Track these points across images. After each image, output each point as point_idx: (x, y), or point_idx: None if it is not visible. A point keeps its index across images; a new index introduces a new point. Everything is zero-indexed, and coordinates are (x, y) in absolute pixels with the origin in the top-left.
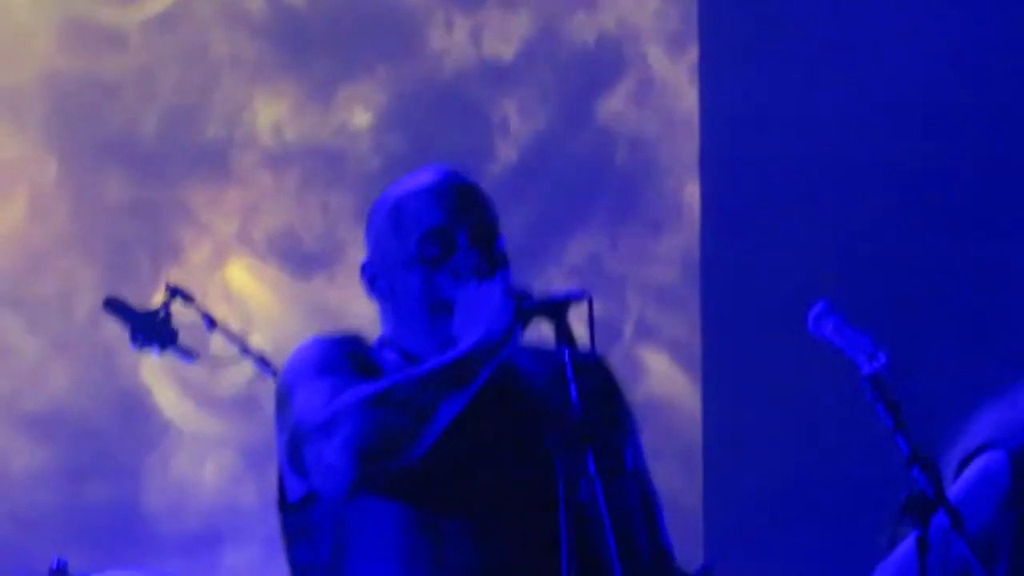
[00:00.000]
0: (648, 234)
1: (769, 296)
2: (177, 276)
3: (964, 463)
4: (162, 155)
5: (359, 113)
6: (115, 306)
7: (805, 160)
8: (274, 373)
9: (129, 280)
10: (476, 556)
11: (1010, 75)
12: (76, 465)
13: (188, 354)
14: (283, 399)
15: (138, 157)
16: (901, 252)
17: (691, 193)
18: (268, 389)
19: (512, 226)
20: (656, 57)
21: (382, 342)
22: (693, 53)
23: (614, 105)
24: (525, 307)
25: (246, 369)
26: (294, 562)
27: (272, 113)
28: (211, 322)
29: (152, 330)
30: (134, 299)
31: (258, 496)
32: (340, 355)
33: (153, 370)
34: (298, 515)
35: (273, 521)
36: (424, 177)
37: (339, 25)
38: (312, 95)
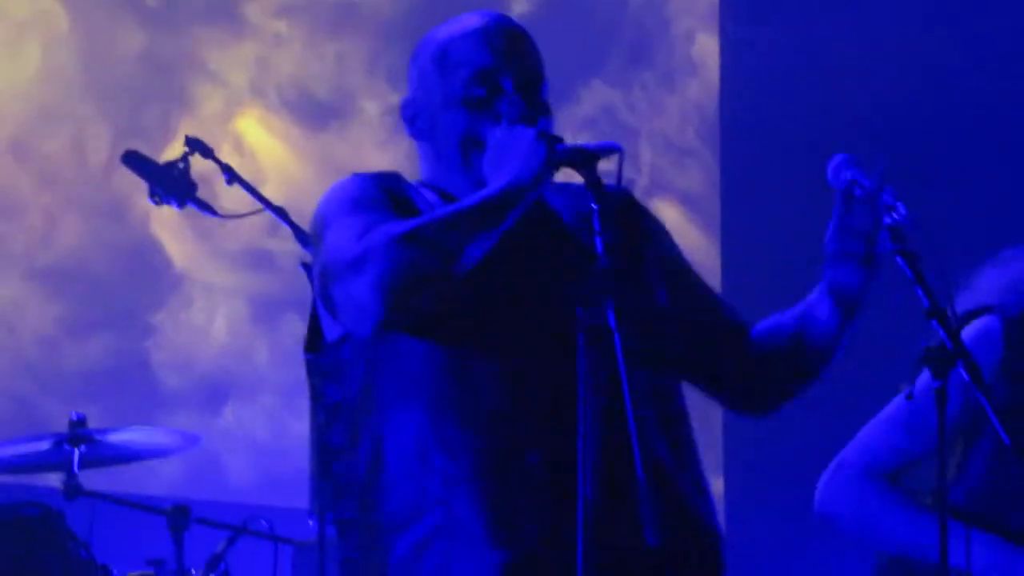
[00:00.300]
0: (663, 88)
1: (788, 150)
2: (189, 128)
3: (960, 323)
4: (173, 6)
5: None
6: (133, 160)
7: (827, 16)
8: (293, 226)
9: (141, 132)
10: (504, 400)
11: None
12: (87, 318)
13: (208, 208)
14: (317, 235)
15: (150, 8)
16: (923, 110)
17: (705, 48)
18: (280, 242)
19: None
20: None
21: (421, 182)
22: None
23: None
24: (557, 153)
25: (258, 221)
26: (324, 402)
27: None
28: (230, 175)
29: (171, 184)
30: (146, 150)
31: (268, 348)
32: (377, 192)
33: (164, 223)
34: (330, 355)
35: (284, 372)
36: (473, 19)
37: None
38: None
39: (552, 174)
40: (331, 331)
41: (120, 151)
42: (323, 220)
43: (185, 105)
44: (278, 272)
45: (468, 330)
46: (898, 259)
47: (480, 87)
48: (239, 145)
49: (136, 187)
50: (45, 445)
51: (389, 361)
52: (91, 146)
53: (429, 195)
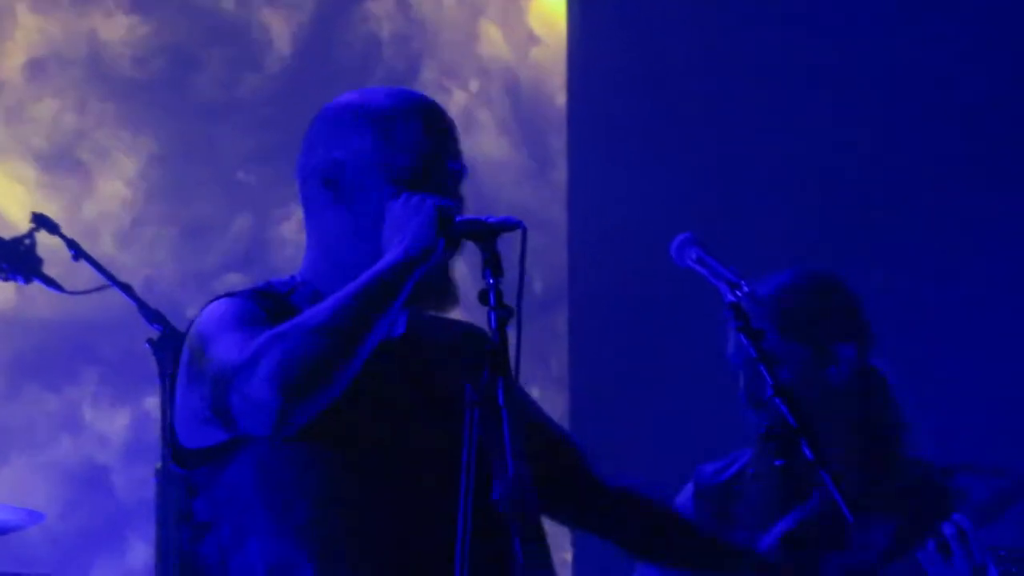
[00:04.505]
0: None
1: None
2: None
3: None
4: None
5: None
6: None
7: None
8: (138, 302)
9: None
10: (389, 539)
11: None
12: None
13: (55, 284)
14: (198, 353)
15: None
16: None
17: None
18: (36, 306)
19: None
20: None
21: (294, 283)
22: None
23: None
24: (455, 225)
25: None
26: (192, 520)
27: (33, 23)
28: (76, 251)
29: (17, 259)
30: None
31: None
32: (255, 306)
33: None
34: (201, 471)
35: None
36: (409, 96)
37: None
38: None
39: (454, 248)
40: (192, 441)
41: None
42: (205, 337)
43: None
44: (32, 338)
45: (347, 455)
46: (741, 337)
47: (422, 170)
48: None
49: None
50: None
51: (263, 490)
52: None
53: (303, 298)
